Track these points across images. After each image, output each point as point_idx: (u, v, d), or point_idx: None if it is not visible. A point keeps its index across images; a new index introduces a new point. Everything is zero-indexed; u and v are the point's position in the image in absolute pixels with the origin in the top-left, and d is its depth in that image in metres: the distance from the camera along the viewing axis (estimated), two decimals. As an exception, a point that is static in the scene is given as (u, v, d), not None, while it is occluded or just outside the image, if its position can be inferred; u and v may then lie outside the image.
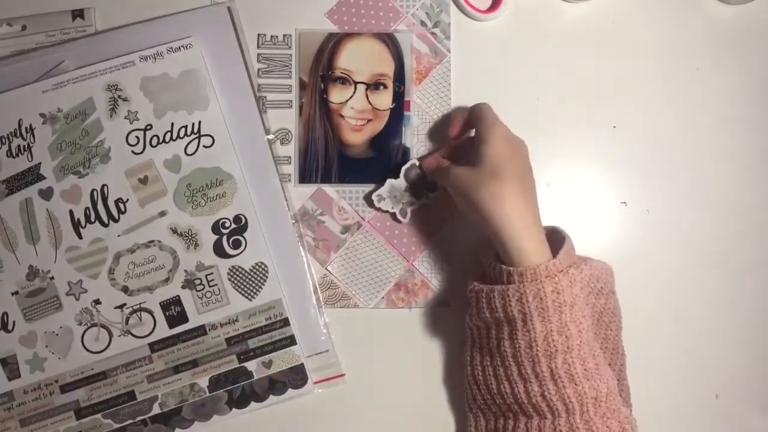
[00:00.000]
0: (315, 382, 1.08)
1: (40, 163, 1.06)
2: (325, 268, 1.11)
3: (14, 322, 1.07)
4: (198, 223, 1.07)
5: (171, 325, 1.07)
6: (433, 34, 1.12)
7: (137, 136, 1.06)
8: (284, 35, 1.12)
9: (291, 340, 1.08)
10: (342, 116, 1.11)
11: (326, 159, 1.11)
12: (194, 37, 1.07)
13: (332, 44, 1.12)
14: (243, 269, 1.08)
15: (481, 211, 0.92)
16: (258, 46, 1.12)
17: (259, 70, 1.11)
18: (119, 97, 1.06)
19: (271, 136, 1.09)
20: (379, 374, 1.09)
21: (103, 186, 1.06)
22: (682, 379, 1.12)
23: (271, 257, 1.08)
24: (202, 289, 1.07)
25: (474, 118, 1.01)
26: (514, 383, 0.92)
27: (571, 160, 1.12)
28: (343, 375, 1.09)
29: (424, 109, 1.12)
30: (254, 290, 1.08)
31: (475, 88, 1.12)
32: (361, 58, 1.11)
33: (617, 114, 1.12)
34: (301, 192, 1.11)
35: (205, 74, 1.07)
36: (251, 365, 1.08)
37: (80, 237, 1.06)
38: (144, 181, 1.06)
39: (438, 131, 1.12)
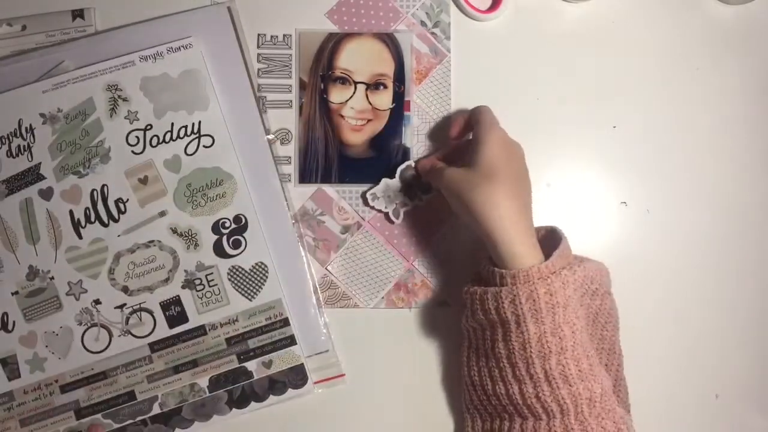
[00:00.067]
0: (315, 382, 1.08)
1: (40, 163, 1.06)
2: (325, 268, 1.11)
3: (14, 322, 1.06)
4: (198, 223, 1.07)
5: (171, 325, 1.07)
6: (433, 34, 1.12)
7: (137, 136, 1.06)
8: (284, 35, 1.12)
9: (291, 340, 1.08)
10: (342, 116, 1.11)
11: (326, 159, 1.11)
12: (194, 37, 1.07)
13: (332, 44, 1.12)
14: (243, 269, 1.08)
15: (473, 213, 0.92)
16: (258, 46, 1.11)
17: (259, 70, 1.11)
18: (119, 97, 1.06)
19: (271, 136, 1.09)
20: (379, 374, 1.09)
21: (103, 186, 1.06)
22: (682, 379, 1.12)
23: (271, 257, 1.08)
24: (202, 289, 1.07)
25: (473, 120, 1.01)
26: (508, 384, 0.92)
27: (571, 160, 1.12)
28: (343, 375, 1.09)
29: (424, 109, 1.12)
30: (254, 290, 1.08)
31: (475, 88, 1.12)
32: (361, 58, 1.11)
33: (617, 114, 1.12)
34: (301, 192, 1.11)
35: (205, 74, 1.07)
36: (251, 365, 1.08)
37: (80, 237, 1.06)
38: (144, 181, 1.06)
39: (438, 132, 1.12)
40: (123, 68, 1.06)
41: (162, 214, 1.07)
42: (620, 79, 1.13)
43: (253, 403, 1.08)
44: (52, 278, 1.06)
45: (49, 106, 1.06)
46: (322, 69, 1.11)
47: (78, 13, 1.09)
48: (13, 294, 1.06)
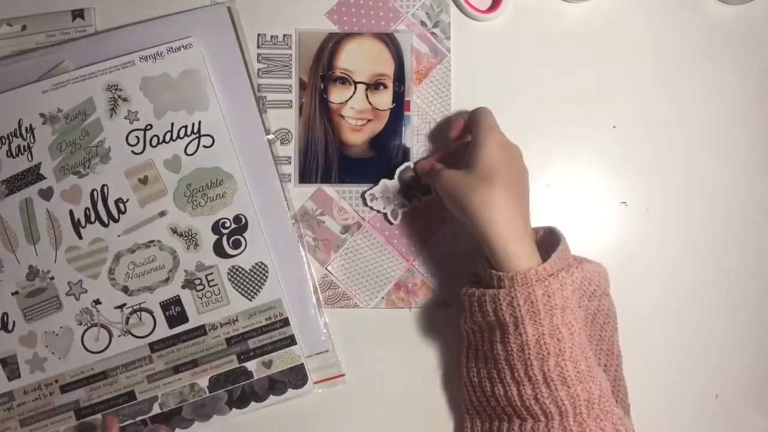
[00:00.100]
0: (315, 382, 1.08)
1: (40, 163, 1.06)
2: (325, 268, 1.11)
3: (14, 322, 1.06)
4: (198, 223, 1.07)
5: (171, 325, 1.07)
6: (433, 34, 1.12)
7: (137, 136, 1.06)
8: (284, 35, 1.12)
9: (291, 340, 1.08)
10: (342, 116, 1.11)
11: (326, 159, 1.11)
12: (194, 37, 1.07)
13: (332, 44, 1.11)
14: (243, 269, 1.08)
15: (470, 216, 0.92)
16: (258, 46, 1.11)
17: (259, 70, 1.11)
18: (119, 97, 1.06)
19: (271, 136, 1.09)
20: (379, 374, 1.09)
21: (103, 186, 1.06)
22: (682, 379, 1.11)
23: (271, 257, 1.08)
24: (202, 289, 1.07)
25: (472, 122, 1.01)
26: (507, 386, 0.92)
27: (570, 160, 1.12)
28: (343, 375, 1.09)
29: (424, 109, 1.12)
30: (254, 290, 1.08)
31: (475, 88, 1.12)
32: (361, 58, 1.11)
33: (617, 114, 1.12)
34: (301, 192, 1.11)
35: (205, 74, 1.07)
36: (251, 365, 1.08)
37: (80, 237, 1.06)
38: (144, 181, 1.06)
39: (438, 133, 1.11)
40: (123, 68, 1.06)
41: (162, 214, 1.07)
42: (620, 79, 1.12)
43: (253, 403, 1.08)
44: (52, 278, 1.06)
45: (49, 106, 1.06)
46: (322, 69, 1.11)
47: (78, 13, 1.09)
48: (13, 294, 1.06)
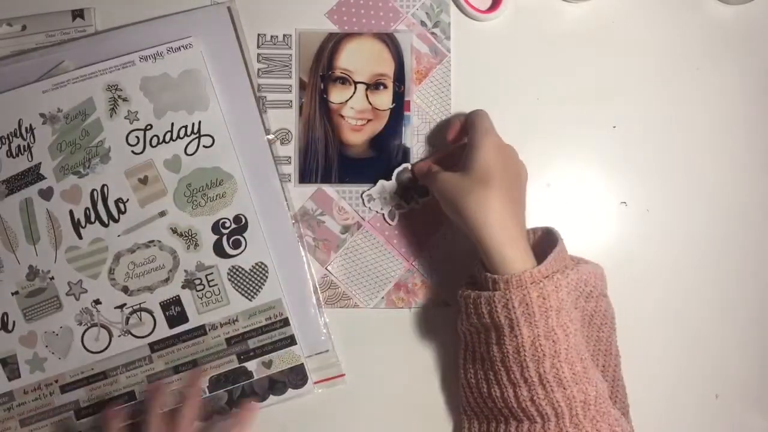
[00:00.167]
0: (315, 382, 1.08)
1: (40, 163, 1.06)
2: (325, 268, 1.11)
3: (14, 322, 1.06)
4: (198, 223, 1.07)
5: (171, 325, 1.07)
6: (433, 34, 1.12)
7: (137, 136, 1.06)
8: (284, 35, 1.11)
9: (291, 340, 1.08)
10: (342, 116, 1.11)
11: (326, 159, 1.11)
12: (194, 37, 1.07)
13: (332, 44, 1.11)
14: (243, 269, 1.07)
15: (466, 218, 0.92)
16: (258, 46, 1.11)
17: (259, 70, 1.11)
18: (119, 97, 1.06)
19: (271, 136, 1.09)
20: (379, 374, 1.09)
21: (103, 186, 1.06)
22: (682, 379, 1.11)
23: (271, 257, 1.07)
24: (202, 289, 1.07)
25: (468, 124, 1.01)
26: (504, 388, 0.92)
27: (570, 160, 1.12)
28: (343, 375, 1.09)
29: (424, 109, 1.11)
30: (254, 290, 1.07)
31: (475, 88, 1.12)
32: (361, 58, 1.11)
33: (617, 114, 1.12)
34: (301, 192, 1.11)
35: (205, 74, 1.07)
36: (251, 365, 1.08)
37: (80, 237, 1.06)
38: (144, 181, 1.06)
39: (438, 134, 1.11)
40: (123, 68, 1.06)
41: (162, 214, 1.07)
42: (620, 79, 1.12)
43: (253, 403, 1.07)
44: (52, 278, 1.06)
45: (49, 106, 1.06)
46: (322, 69, 1.11)
47: (78, 13, 1.09)
48: (13, 294, 1.06)
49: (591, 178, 1.12)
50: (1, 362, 1.07)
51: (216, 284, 1.07)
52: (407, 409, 1.10)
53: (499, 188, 0.91)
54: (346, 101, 1.11)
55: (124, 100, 1.06)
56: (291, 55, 1.12)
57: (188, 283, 1.07)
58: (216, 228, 1.07)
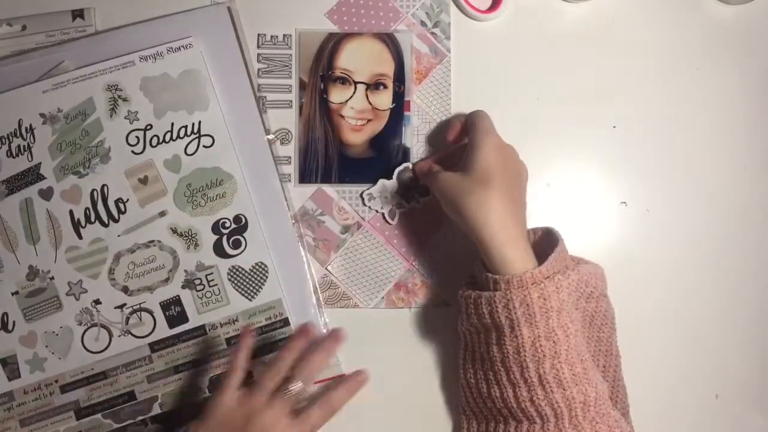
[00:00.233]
0: (315, 382, 1.06)
1: (40, 163, 1.05)
2: (325, 268, 1.10)
3: (14, 322, 1.06)
4: (198, 223, 1.07)
5: (171, 325, 1.07)
6: (433, 34, 1.11)
7: (137, 136, 1.06)
8: (284, 35, 1.11)
9: (291, 341, 1.07)
10: (342, 116, 1.11)
11: (326, 159, 1.11)
12: (194, 37, 1.07)
13: (332, 44, 1.11)
14: (243, 269, 1.07)
15: (466, 218, 0.92)
16: (258, 46, 1.11)
17: (259, 70, 1.11)
18: (119, 97, 1.06)
19: (271, 136, 1.08)
20: (379, 374, 1.06)
21: (103, 186, 1.06)
22: (682, 379, 1.11)
23: (271, 257, 1.07)
24: (202, 289, 1.07)
25: (468, 124, 1.00)
26: (503, 388, 0.92)
27: (570, 160, 1.12)
28: (343, 375, 1.08)
29: (424, 109, 1.11)
30: (254, 290, 1.07)
31: (475, 88, 1.12)
32: (361, 58, 1.11)
33: (617, 114, 1.12)
34: (301, 192, 1.11)
35: (205, 74, 1.07)
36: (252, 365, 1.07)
37: (80, 237, 1.06)
38: (144, 181, 1.06)
39: (438, 134, 1.11)
40: (123, 68, 1.06)
41: (162, 214, 1.06)
42: (620, 79, 1.12)
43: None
44: (52, 278, 1.06)
45: (49, 106, 1.05)
46: (322, 69, 1.11)
47: (78, 13, 1.09)
48: (13, 294, 1.06)
49: (591, 178, 1.12)
50: (1, 362, 1.06)
51: (216, 284, 1.07)
52: (407, 409, 1.10)
53: (499, 188, 0.91)
54: (346, 101, 1.11)
55: (124, 100, 1.06)
56: (291, 55, 1.11)
57: (188, 283, 1.07)
58: (216, 228, 1.07)
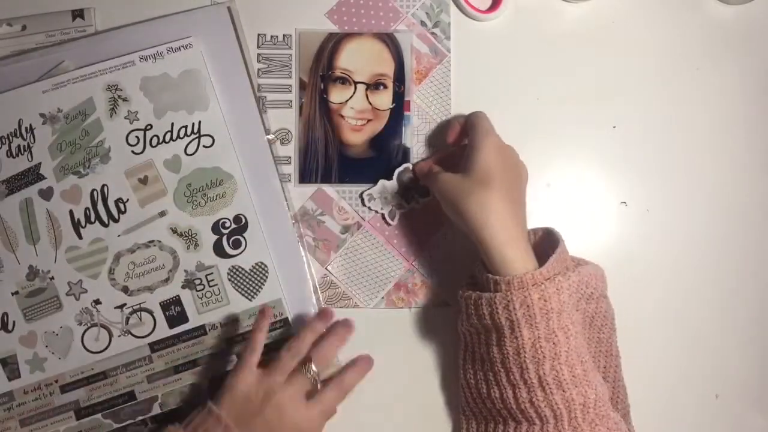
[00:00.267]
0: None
1: (40, 163, 1.05)
2: (325, 268, 1.10)
3: (14, 322, 1.06)
4: (198, 223, 1.06)
5: (171, 325, 1.07)
6: (433, 34, 1.11)
7: (137, 136, 1.06)
8: (284, 35, 1.11)
9: (291, 340, 1.06)
10: (342, 116, 1.10)
11: (326, 159, 1.10)
12: (194, 37, 1.06)
13: (332, 44, 1.10)
14: (243, 269, 1.07)
15: (467, 219, 0.92)
16: (258, 46, 1.10)
17: (259, 70, 1.10)
18: (119, 97, 1.05)
19: (271, 136, 1.08)
20: (379, 374, 1.07)
21: (103, 186, 1.05)
22: (682, 379, 1.10)
23: (271, 257, 1.07)
24: (202, 289, 1.06)
25: (468, 126, 1.00)
26: (503, 389, 0.91)
27: (570, 160, 1.11)
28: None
29: (424, 109, 1.11)
30: (254, 290, 1.07)
31: (475, 88, 1.11)
32: (361, 58, 1.10)
33: (617, 114, 1.11)
34: (301, 192, 1.10)
35: (205, 74, 1.06)
36: (252, 365, 1.06)
37: (80, 237, 1.05)
38: (144, 181, 1.05)
39: (438, 134, 1.10)
40: (123, 68, 1.06)
41: (162, 214, 1.06)
42: (620, 79, 1.11)
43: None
44: (52, 278, 1.05)
45: (49, 106, 1.05)
46: (322, 69, 1.10)
47: (78, 13, 1.08)
48: (13, 294, 1.05)
49: (591, 178, 1.11)
50: (1, 362, 1.06)
51: (216, 284, 1.06)
52: (407, 409, 1.09)
53: (499, 189, 0.91)
54: (346, 101, 1.10)
55: (124, 100, 1.05)
56: (291, 55, 1.11)
57: (188, 283, 1.06)
58: (216, 228, 1.06)
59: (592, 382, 0.88)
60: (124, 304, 1.06)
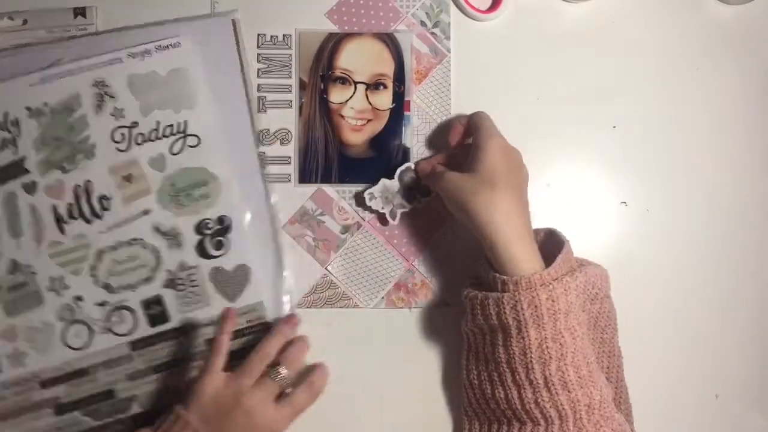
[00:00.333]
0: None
1: (24, 157, 0.65)
2: (325, 268, 0.69)
3: (-6, 317, 0.67)
4: (181, 223, 0.65)
5: (152, 324, 0.66)
6: (433, 34, 0.70)
7: (123, 134, 0.65)
8: (284, 35, 0.70)
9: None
10: (342, 116, 0.69)
11: (326, 159, 0.69)
12: (183, 35, 0.66)
13: (332, 44, 0.70)
14: (225, 270, 0.66)
15: (473, 219, 0.61)
16: (258, 46, 0.69)
17: (259, 70, 0.69)
18: (106, 93, 0.65)
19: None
20: (379, 374, 0.68)
21: (87, 182, 0.65)
22: (682, 379, 0.71)
23: (253, 260, 0.66)
24: (184, 289, 0.65)
25: (472, 126, 0.66)
26: (508, 389, 0.60)
27: (570, 160, 0.72)
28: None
29: (424, 109, 0.70)
30: (236, 292, 0.65)
31: (475, 88, 0.71)
32: (361, 58, 0.70)
33: (617, 114, 0.72)
34: (301, 192, 0.69)
35: (194, 73, 0.66)
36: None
37: (63, 233, 0.65)
38: (128, 178, 0.65)
39: (438, 136, 0.71)
40: (110, 65, 0.65)
41: (145, 212, 0.65)
42: (620, 79, 0.72)
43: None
44: (34, 273, 0.65)
45: (36, 100, 0.65)
46: (322, 69, 0.70)
47: (80, 11, 0.68)
48: (-7, 288, 0.67)
49: (591, 178, 0.72)
50: (-20, 357, 0.67)
51: (198, 285, 0.65)
52: (407, 409, 0.69)
53: (505, 189, 0.61)
54: (346, 101, 0.69)
55: (111, 96, 0.65)
56: (291, 55, 0.70)
57: (170, 283, 0.65)
58: (199, 228, 0.65)
59: (597, 383, 0.59)
60: (106, 302, 0.65)
